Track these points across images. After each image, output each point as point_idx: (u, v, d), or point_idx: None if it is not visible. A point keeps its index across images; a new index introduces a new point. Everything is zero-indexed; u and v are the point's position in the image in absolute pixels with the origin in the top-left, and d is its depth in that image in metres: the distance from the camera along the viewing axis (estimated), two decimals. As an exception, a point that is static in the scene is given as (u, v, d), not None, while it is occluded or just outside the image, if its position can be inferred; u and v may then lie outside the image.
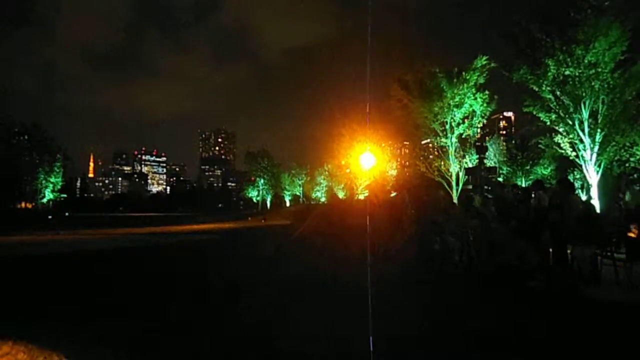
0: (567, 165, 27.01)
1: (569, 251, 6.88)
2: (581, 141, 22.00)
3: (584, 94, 21.08)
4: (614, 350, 3.50)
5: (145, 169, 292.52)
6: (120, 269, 9.91)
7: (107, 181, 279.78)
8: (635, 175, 29.52)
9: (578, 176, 22.47)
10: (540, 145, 27.71)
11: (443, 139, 32.60)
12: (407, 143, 63.37)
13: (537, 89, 22.35)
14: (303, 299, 5.78)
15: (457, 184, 32.72)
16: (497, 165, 46.58)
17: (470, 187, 20.67)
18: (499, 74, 26.05)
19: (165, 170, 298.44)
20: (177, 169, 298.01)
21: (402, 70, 35.97)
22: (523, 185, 37.36)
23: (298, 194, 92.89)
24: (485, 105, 30.73)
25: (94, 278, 8.18)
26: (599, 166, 22.00)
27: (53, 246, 16.32)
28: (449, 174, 33.02)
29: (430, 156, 37.67)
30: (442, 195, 9.79)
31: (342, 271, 8.11)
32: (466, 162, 32.70)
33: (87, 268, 10.11)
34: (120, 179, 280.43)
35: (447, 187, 31.60)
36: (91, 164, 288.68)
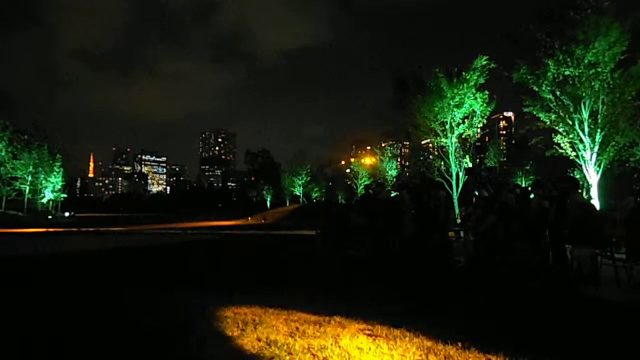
0: (567, 165, 26.98)
1: (568, 251, 6.88)
2: (581, 141, 22.01)
3: (584, 94, 21.09)
4: (614, 350, 3.51)
5: (145, 169, 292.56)
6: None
7: (107, 181, 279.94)
8: (635, 176, 29.52)
9: (578, 176, 22.48)
10: (539, 146, 27.72)
11: (443, 139, 32.62)
12: (407, 143, 63.41)
13: (537, 89, 22.36)
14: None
15: (457, 184, 32.75)
16: (497, 165, 46.61)
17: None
18: (499, 74, 26.09)
19: (165, 170, 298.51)
20: (177, 169, 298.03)
21: (401, 70, 36.19)
22: (523, 185, 37.35)
23: (298, 194, 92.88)
24: (485, 105, 30.74)
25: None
26: (599, 166, 22.00)
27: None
28: (449, 173, 33.05)
29: (430, 156, 37.74)
30: (442, 195, 9.78)
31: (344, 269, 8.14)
32: (466, 162, 32.72)
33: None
34: (120, 179, 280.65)
35: (447, 187, 31.62)
36: (91, 164, 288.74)
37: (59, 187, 69.04)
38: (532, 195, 8.07)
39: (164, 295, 5.60)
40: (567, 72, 21.12)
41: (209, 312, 4.61)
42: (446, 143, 32.56)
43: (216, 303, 4.99)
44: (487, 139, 69.43)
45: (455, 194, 32.27)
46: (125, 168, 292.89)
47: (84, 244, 16.89)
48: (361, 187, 67.82)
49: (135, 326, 4.13)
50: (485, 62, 29.53)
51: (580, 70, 20.83)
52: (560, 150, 23.22)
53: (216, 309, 4.71)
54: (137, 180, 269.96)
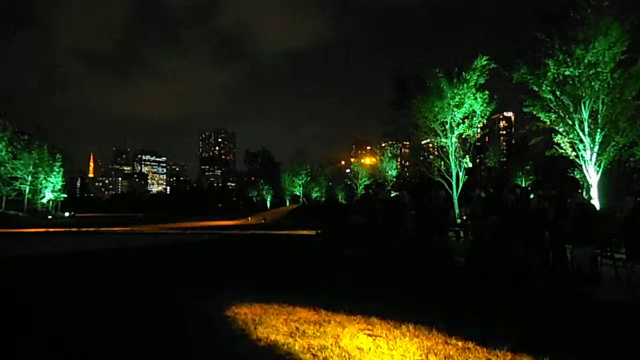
0: (567, 165, 26.99)
1: (568, 251, 6.89)
2: (581, 141, 22.00)
3: (584, 94, 21.08)
4: (614, 349, 3.52)
5: (145, 169, 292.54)
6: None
7: (107, 181, 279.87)
8: (635, 176, 29.54)
9: (578, 176, 22.50)
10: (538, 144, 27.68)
11: (443, 139, 32.60)
12: (407, 143, 63.39)
13: (537, 89, 22.36)
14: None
15: (457, 184, 32.74)
16: (496, 165, 46.64)
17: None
18: (500, 74, 26.11)
19: (165, 170, 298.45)
20: (177, 169, 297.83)
21: (401, 71, 36.29)
22: (523, 184, 37.34)
23: (298, 194, 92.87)
24: (485, 105, 30.73)
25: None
26: (599, 166, 21.99)
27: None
28: (449, 173, 33.04)
29: (431, 156, 37.72)
30: (442, 195, 9.79)
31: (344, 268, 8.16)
32: (466, 162, 32.72)
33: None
34: (120, 179, 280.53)
35: (447, 187, 31.64)
36: (91, 164, 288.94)
37: (59, 187, 69.06)
38: (532, 196, 8.08)
39: (164, 296, 5.60)
40: (567, 72, 21.11)
41: (208, 312, 4.61)
42: (446, 143, 32.54)
43: (216, 303, 4.99)
44: (487, 139, 69.43)
45: (455, 194, 32.26)
46: (125, 168, 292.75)
47: (82, 244, 16.87)
48: (361, 187, 67.80)
49: (132, 327, 4.13)
50: (485, 62, 29.52)
51: (580, 70, 20.83)
52: (560, 150, 23.21)
53: (216, 309, 4.72)
54: (137, 180, 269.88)
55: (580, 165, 22.61)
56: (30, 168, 62.62)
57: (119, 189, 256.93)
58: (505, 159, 68.23)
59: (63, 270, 8.68)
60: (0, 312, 4.86)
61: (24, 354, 3.46)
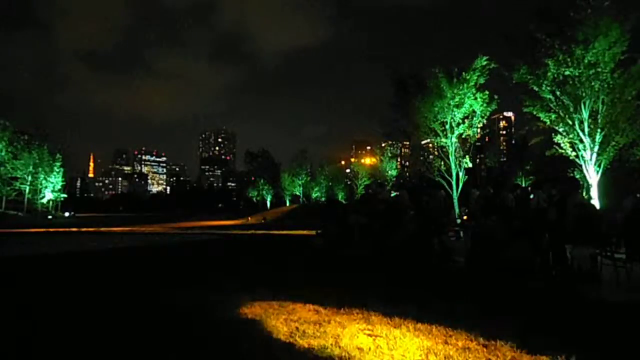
0: (567, 165, 26.95)
1: (568, 251, 6.89)
2: (581, 141, 21.98)
3: (584, 94, 21.06)
4: (613, 349, 3.52)
5: (145, 169, 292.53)
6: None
7: (107, 181, 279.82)
8: (635, 176, 29.53)
9: (578, 176, 22.49)
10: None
11: (443, 139, 32.56)
12: (407, 143, 63.37)
13: (537, 89, 22.34)
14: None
15: (457, 184, 32.72)
16: (497, 165, 46.63)
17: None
18: (500, 74, 26.07)
19: (165, 170, 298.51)
20: (177, 169, 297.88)
21: (400, 71, 36.24)
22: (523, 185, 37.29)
23: (298, 194, 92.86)
24: (485, 105, 30.68)
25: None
26: (599, 166, 21.98)
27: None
28: (449, 173, 33.00)
29: (431, 156, 37.68)
30: (442, 195, 9.79)
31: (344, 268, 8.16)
32: (466, 162, 32.68)
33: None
34: (120, 179, 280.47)
35: (447, 187, 31.58)
36: (91, 164, 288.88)
37: (59, 187, 69.05)
38: (532, 196, 8.09)
39: (163, 296, 5.60)
40: (567, 72, 21.08)
41: (208, 312, 4.61)
42: (446, 143, 32.47)
43: (215, 303, 4.99)
44: (487, 139, 69.46)
45: (455, 194, 32.23)
46: (125, 168, 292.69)
47: (82, 244, 16.86)
48: (361, 187, 67.83)
49: (131, 327, 4.13)
50: (485, 62, 29.48)
51: (580, 70, 20.80)
52: (560, 150, 23.16)
53: (215, 309, 4.72)
54: (137, 180, 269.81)
55: (580, 165, 22.57)
56: (30, 168, 62.62)
57: (119, 189, 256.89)
58: (505, 159, 68.38)
59: (63, 271, 8.68)
60: (4, 312, 4.87)
61: (24, 353, 3.46)
